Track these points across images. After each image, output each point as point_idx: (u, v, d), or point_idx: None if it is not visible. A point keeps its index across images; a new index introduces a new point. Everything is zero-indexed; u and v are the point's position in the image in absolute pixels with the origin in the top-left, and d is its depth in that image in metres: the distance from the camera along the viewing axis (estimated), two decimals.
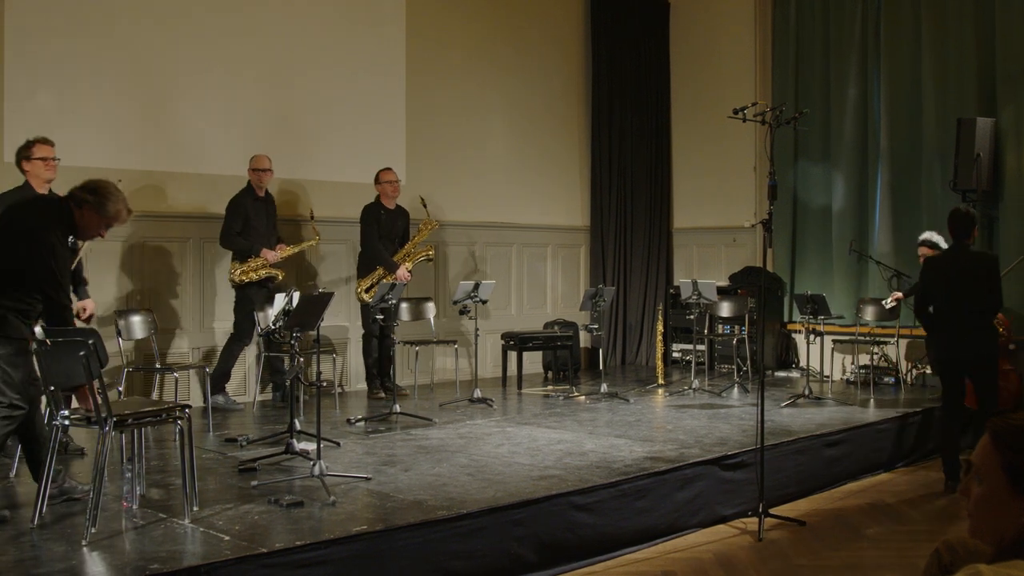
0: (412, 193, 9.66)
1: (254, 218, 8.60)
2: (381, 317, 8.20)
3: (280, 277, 8.35)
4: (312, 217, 8.92)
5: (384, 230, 9.29)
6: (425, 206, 9.39)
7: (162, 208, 8.57)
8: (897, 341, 10.01)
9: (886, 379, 10.02)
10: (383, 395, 9.18)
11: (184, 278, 8.84)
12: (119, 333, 7.35)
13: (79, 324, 6.22)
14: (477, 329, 9.09)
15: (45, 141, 6.51)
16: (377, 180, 9.35)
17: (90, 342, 4.70)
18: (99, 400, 4.76)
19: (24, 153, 6.47)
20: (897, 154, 10.74)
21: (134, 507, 5.12)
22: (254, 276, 8.48)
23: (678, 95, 12.68)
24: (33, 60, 7.96)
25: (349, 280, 9.71)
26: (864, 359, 10.08)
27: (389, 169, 9.39)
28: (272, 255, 8.54)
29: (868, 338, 9.85)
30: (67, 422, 5.10)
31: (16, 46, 7.88)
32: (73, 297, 6.69)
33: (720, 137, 11.80)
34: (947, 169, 9.97)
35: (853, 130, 11.09)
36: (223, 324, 8.99)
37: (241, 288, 8.52)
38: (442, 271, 10.76)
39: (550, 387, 10.15)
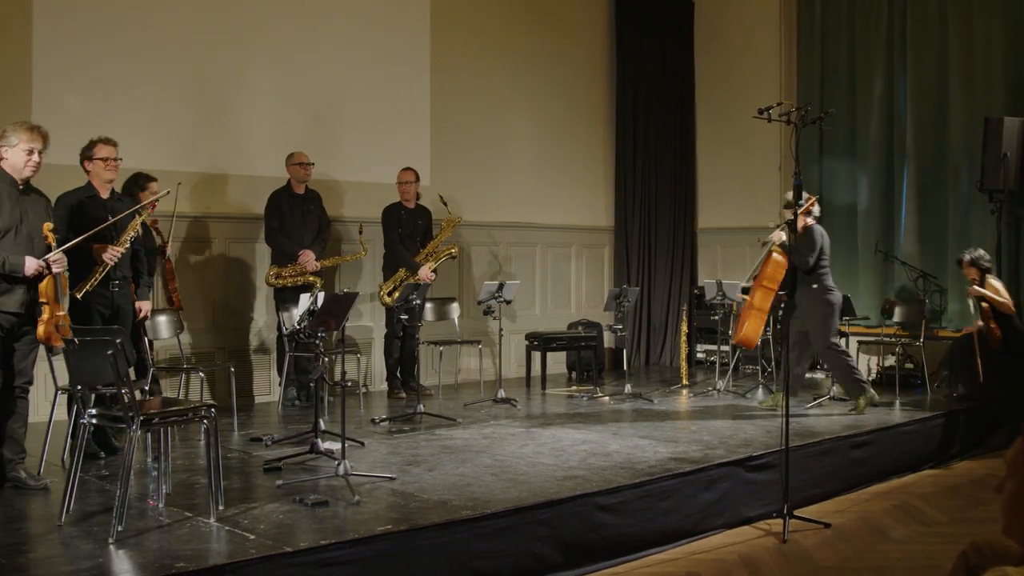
0: (436, 192, 9.65)
1: (289, 215, 8.66)
2: (406, 317, 8.21)
3: (319, 285, 8.37)
4: (361, 231, 8.96)
5: (405, 230, 9.31)
6: (445, 204, 9.39)
7: (188, 209, 8.61)
8: (923, 342, 9.94)
9: (912, 381, 9.95)
10: (404, 395, 9.20)
11: (212, 278, 8.89)
12: (145, 332, 7.39)
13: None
14: (501, 329, 9.09)
15: (107, 141, 6.46)
16: (397, 180, 9.42)
17: (117, 341, 4.73)
18: (126, 398, 4.80)
19: (86, 153, 6.44)
20: (923, 154, 10.67)
21: (160, 506, 5.15)
22: (289, 282, 8.53)
23: (702, 95, 12.64)
24: (62, 60, 8.02)
25: (373, 280, 9.71)
26: (890, 360, 10.02)
27: (405, 169, 9.43)
28: (311, 264, 8.58)
29: (894, 339, 9.78)
30: (95, 421, 5.15)
31: (45, 46, 7.96)
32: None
33: (745, 137, 11.75)
34: (974, 169, 9.90)
35: (879, 129, 11.02)
36: (255, 323, 9.10)
37: (279, 291, 8.60)
38: (466, 271, 10.78)
39: (574, 387, 10.13)
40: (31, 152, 5.59)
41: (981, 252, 9.00)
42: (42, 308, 5.54)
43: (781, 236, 8.28)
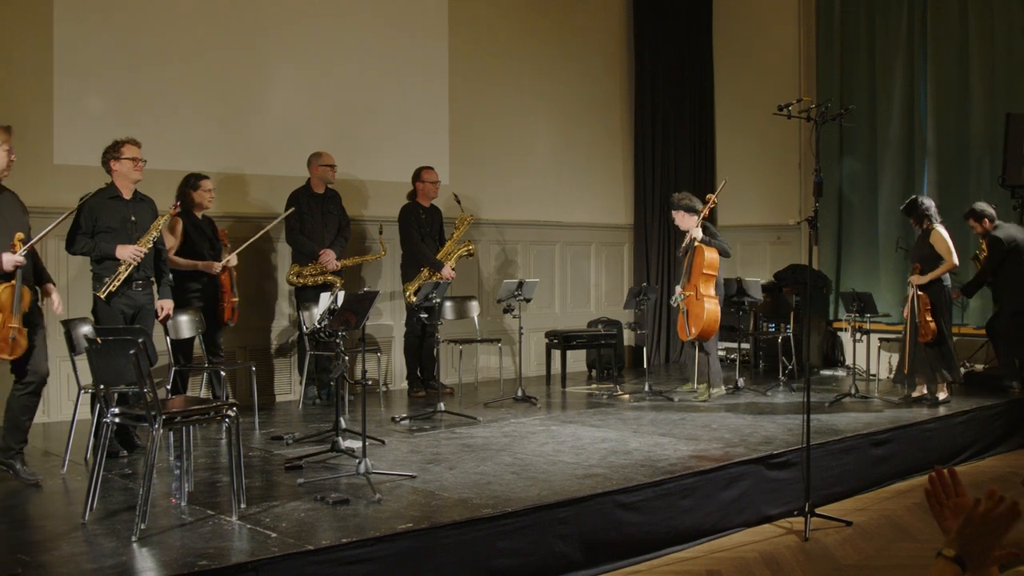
0: (455, 192, 9.66)
1: (308, 215, 8.69)
2: (426, 316, 8.22)
3: (339, 284, 8.40)
4: (381, 232, 8.99)
5: (425, 229, 9.31)
6: (459, 202, 9.40)
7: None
8: None
9: None
10: (423, 394, 9.21)
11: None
12: (167, 332, 7.42)
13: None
14: (521, 327, 9.10)
15: (134, 142, 6.49)
16: (419, 179, 9.34)
17: (139, 341, 4.76)
18: (149, 399, 4.83)
19: (113, 153, 6.44)
20: (944, 150, 10.62)
21: (182, 504, 5.18)
22: (310, 281, 8.57)
23: (722, 92, 12.62)
24: (82, 63, 8.07)
25: (393, 279, 9.74)
26: None
27: (431, 169, 9.40)
28: (332, 263, 8.61)
29: None
30: (117, 420, 5.18)
31: (65, 49, 8.00)
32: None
33: (764, 134, 11.72)
34: (995, 165, 9.85)
35: (899, 125, 10.97)
36: (277, 323, 9.14)
37: (300, 290, 8.64)
38: (485, 270, 10.79)
39: (594, 385, 10.13)
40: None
41: (930, 203, 8.71)
42: None
43: (699, 233, 8.97)
